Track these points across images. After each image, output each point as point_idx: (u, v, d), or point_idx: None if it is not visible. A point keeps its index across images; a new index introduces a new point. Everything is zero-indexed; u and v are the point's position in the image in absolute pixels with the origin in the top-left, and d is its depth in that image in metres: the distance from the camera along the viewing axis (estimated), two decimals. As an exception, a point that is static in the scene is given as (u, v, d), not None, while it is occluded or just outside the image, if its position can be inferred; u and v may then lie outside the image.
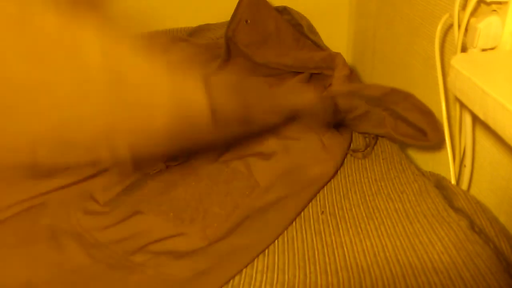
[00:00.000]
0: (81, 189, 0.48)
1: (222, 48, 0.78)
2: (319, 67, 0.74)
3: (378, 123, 0.61)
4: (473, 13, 0.55)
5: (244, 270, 0.46)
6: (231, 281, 0.45)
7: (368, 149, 0.62)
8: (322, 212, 0.53)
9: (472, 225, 0.49)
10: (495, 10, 0.52)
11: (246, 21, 0.81)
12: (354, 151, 0.62)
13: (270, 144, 0.56)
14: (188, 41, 0.87)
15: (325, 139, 0.58)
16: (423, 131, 0.58)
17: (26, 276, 0.42)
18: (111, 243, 0.43)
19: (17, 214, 0.47)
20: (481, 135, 0.63)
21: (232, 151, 0.57)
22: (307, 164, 0.54)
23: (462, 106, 0.61)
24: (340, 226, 0.51)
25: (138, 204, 0.46)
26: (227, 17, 0.82)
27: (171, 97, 0.41)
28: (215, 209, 0.46)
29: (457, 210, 0.52)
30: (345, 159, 0.62)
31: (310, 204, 0.55)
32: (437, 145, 0.77)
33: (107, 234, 0.44)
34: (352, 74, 0.68)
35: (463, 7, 0.57)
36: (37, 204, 0.48)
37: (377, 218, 0.52)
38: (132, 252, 0.43)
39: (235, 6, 0.82)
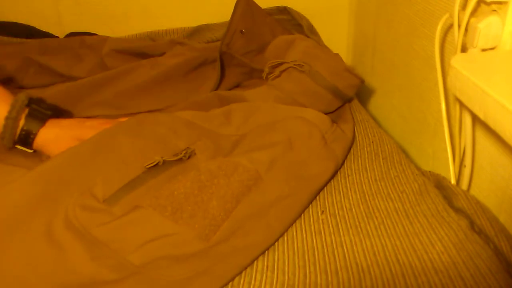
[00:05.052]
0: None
1: (216, 62, 0.77)
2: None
3: None
4: (473, 13, 0.55)
5: (243, 270, 0.46)
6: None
7: None
8: (322, 212, 0.53)
9: (472, 225, 0.49)
10: (495, 10, 0.52)
11: (242, 31, 0.80)
12: None
13: (275, 134, 0.56)
14: (185, 44, 0.86)
15: (328, 136, 0.58)
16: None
17: (22, 273, 0.42)
18: (110, 242, 0.43)
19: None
20: (481, 135, 0.63)
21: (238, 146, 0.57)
22: (307, 161, 0.54)
23: (462, 106, 0.61)
24: (340, 226, 0.51)
25: (137, 200, 0.46)
26: (227, 17, 0.81)
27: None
28: (214, 205, 0.46)
29: (457, 210, 0.52)
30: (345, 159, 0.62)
31: (310, 204, 0.55)
32: (437, 144, 0.77)
33: (105, 232, 0.44)
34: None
35: (463, 7, 0.57)
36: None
37: (377, 218, 0.52)
38: (131, 252, 0.43)
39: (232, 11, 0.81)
